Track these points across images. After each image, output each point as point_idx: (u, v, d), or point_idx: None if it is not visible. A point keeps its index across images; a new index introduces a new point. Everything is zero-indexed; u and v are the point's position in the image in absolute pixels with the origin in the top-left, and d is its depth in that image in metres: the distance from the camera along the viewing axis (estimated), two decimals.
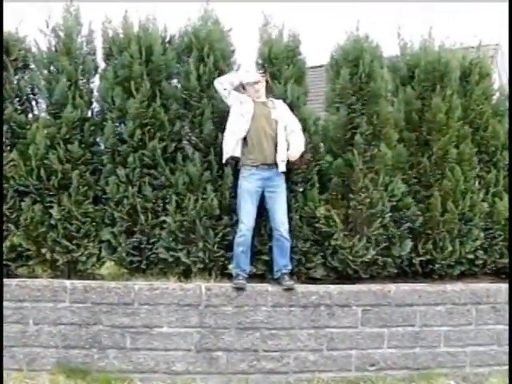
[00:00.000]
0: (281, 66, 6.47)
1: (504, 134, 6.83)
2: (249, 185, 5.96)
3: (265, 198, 6.02)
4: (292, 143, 6.03)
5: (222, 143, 6.13)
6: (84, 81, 6.49)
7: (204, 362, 5.69)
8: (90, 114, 6.54)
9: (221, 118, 6.30)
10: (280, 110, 6.11)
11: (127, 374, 5.61)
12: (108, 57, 6.56)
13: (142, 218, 6.19)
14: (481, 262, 6.62)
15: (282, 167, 5.95)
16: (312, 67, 7.63)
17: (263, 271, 6.24)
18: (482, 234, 6.55)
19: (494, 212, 6.65)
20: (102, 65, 6.65)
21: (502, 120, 6.90)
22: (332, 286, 5.94)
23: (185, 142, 6.53)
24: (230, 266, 6.11)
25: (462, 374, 5.93)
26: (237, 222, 6.10)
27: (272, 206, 5.98)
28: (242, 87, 6.26)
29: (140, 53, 6.31)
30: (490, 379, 5.89)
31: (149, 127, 6.26)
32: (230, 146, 5.96)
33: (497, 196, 6.67)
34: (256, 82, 6.13)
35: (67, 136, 6.23)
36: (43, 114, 6.48)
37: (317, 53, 8.61)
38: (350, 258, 6.21)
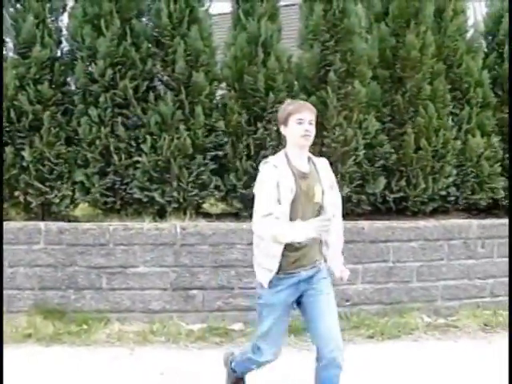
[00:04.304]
0: (254, 3, 6.34)
1: (478, 71, 6.79)
2: None
3: None
4: None
5: (195, 82, 6.11)
6: (52, 19, 6.33)
7: (180, 301, 5.73)
8: (59, 53, 6.41)
9: (194, 56, 6.22)
10: None
11: (104, 314, 5.65)
12: None
13: (116, 158, 6.14)
14: (453, 198, 6.71)
15: None
16: (285, 5, 7.49)
17: (238, 209, 6.27)
18: (454, 171, 6.63)
19: (467, 149, 6.69)
20: (70, 2, 6.47)
21: (475, 57, 6.84)
22: None
23: (156, 81, 6.45)
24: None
25: (434, 307, 6.06)
26: (211, 160, 6.22)
27: None
28: None
29: None
30: (460, 312, 6.02)
31: (120, 66, 6.15)
32: None
33: (469, 133, 6.70)
34: None
35: (37, 76, 6.10)
36: (11, 54, 6.32)
37: None
38: None
